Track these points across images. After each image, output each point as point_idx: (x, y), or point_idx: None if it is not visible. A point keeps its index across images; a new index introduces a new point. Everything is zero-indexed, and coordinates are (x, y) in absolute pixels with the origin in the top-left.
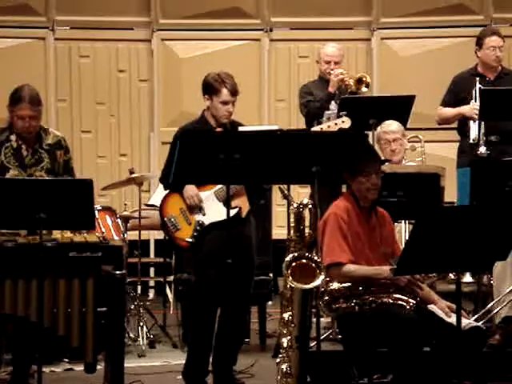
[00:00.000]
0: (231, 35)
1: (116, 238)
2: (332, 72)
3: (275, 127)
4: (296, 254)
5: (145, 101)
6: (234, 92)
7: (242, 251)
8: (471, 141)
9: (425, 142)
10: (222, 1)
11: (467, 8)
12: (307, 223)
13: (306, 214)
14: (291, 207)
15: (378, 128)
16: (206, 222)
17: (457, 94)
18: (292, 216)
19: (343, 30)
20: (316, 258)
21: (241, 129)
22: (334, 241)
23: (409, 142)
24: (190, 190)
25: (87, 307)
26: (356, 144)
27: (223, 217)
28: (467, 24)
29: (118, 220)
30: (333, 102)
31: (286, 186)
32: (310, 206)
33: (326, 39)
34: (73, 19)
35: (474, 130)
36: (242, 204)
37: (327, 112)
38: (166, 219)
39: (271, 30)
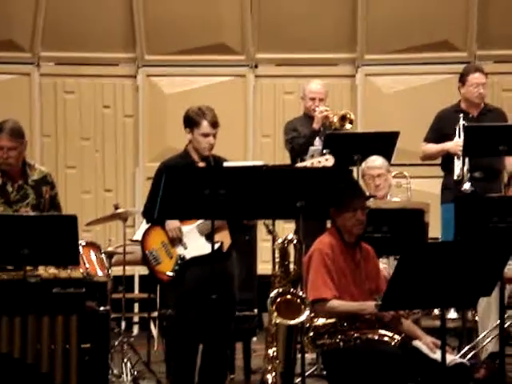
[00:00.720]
0: (217, 71)
1: (100, 273)
2: (316, 109)
3: (260, 163)
4: (281, 290)
5: (130, 136)
6: (214, 124)
7: (223, 287)
8: (455, 177)
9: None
10: (207, 37)
11: (451, 45)
12: (292, 259)
13: (291, 249)
14: (276, 243)
15: (363, 163)
16: (188, 256)
17: (440, 131)
18: (277, 251)
19: (328, 66)
20: (301, 293)
21: (226, 164)
22: (319, 277)
23: (394, 178)
24: (171, 222)
25: (71, 344)
26: (340, 179)
27: (205, 251)
28: (451, 61)
29: (103, 255)
30: (317, 139)
31: (270, 222)
32: (295, 242)
33: (311, 75)
34: (58, 55)
35: (458, 166)
36: (224, 238)
37: (312, 148)
38: (147, 252)
39: (256, 67)
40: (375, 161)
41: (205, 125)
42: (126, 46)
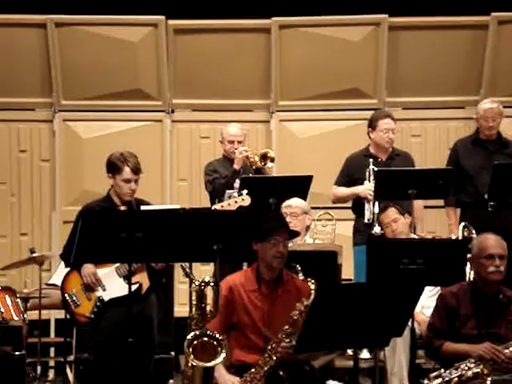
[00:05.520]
0: (133, 116)
1: (16, 318)
2: (236, 150)
3: (177, 206)
4: (197, 332)
5: (46, 180)
6: (136, 170)
7: (142, 329)
8: (366, 220)
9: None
10: (123, 83)
11: (362, 92)
12: (209, 301)
13: (208, 291)
14: (193, 285)
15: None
16: (106, 298)
17: (350, 175)
18: (194, 294)
19: (243, 112)
20: (217, 335)
21: (143, 207)
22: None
23: (320, 219)
24: (86, 268)
25: None
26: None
27: (124, 292)
28: (362, 107)
29: (18, 300)
30: (237, 180)
31: (187, 264)
32: (212, 284)
33: (226, 121)
34: None
35: (368, 209)
36: (143, 280)
37: (228, 191)
38: (66, 295)
39: (173, 112)
40: (292, 200)
41: (127, 171)
42: (42, 91)
